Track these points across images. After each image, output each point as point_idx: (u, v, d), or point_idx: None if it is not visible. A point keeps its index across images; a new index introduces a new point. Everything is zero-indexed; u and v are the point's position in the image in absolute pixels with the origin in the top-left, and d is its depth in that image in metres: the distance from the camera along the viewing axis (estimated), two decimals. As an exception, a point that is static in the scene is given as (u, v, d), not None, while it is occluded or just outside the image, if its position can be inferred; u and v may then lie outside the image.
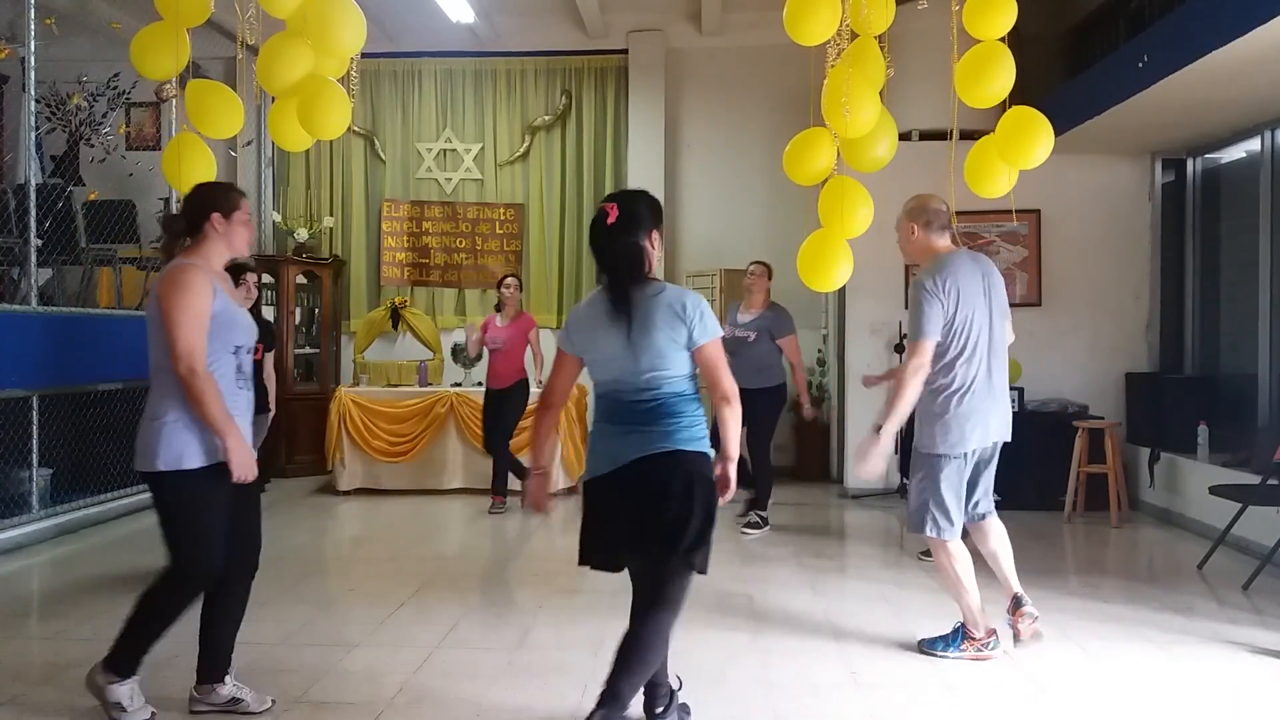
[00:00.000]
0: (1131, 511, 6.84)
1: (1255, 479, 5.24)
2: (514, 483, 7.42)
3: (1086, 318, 7.50)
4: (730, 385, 2.90)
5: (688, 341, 2.87)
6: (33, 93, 6.33)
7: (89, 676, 3.17)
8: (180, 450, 3.02)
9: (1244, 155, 6.74)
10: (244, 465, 3.07)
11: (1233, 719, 3.37)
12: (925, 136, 6.98)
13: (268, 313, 7.65)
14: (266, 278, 7.95)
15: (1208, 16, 4.90)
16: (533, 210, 9.19)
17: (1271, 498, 5.07)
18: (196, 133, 4.41)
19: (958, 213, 4.11)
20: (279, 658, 3.83)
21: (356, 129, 9.02)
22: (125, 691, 3.15)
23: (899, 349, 7.23)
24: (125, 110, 8.60)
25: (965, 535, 3.92)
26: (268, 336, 5.29)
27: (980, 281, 3.80)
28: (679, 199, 9.02)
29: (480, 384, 7.43)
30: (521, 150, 9.17)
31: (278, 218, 8.95)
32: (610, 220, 2.88)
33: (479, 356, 7.52)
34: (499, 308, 7.10)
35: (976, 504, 3.93)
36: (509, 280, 7.06)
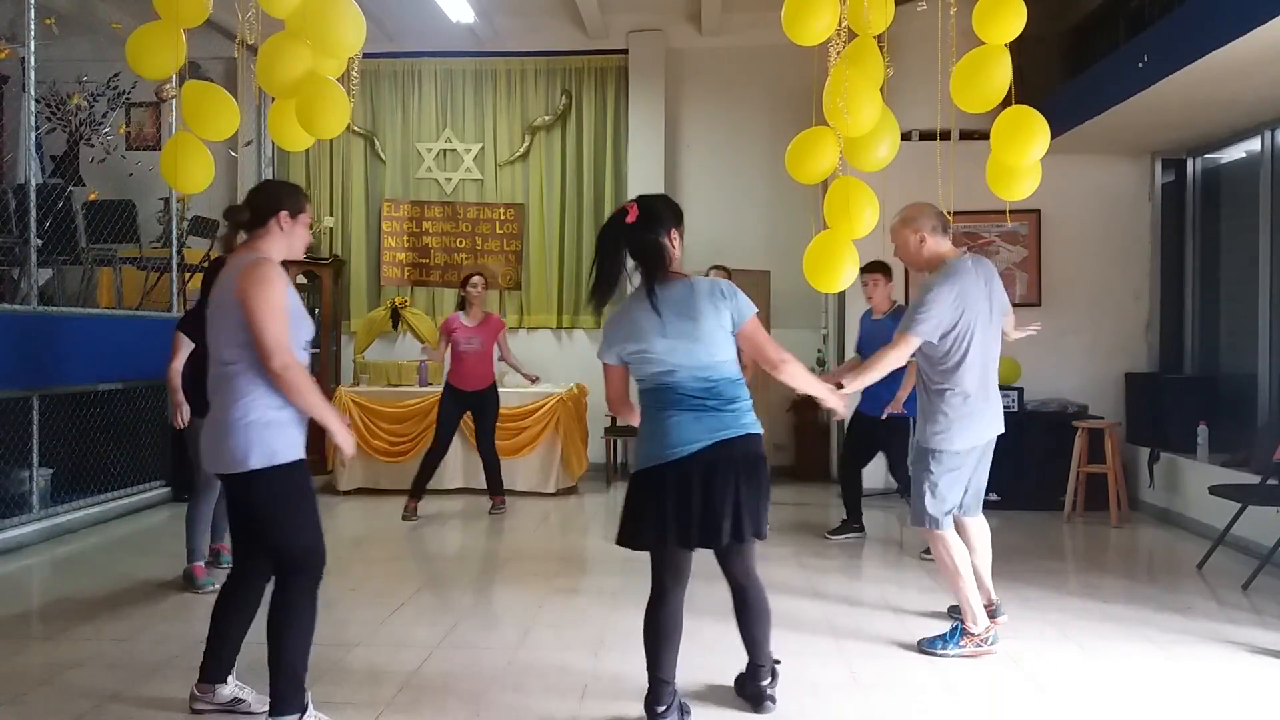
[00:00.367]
0: (1131, 511, 6.85)
1: (1255, 479, 5.24)
2: (511, 483, 7.46)
3: (1086, 318, 7.51)
4: (778, 350, 3.13)
5: (732, 324, 3.06)
6: (33, 93, 6.32)
7: None
8: (274, 446, 2.96)
9: (1244, 155, 6.74)
10: (350, 444, 3.15)
11: (1232, 719, 3.37)
12: (925, 137, 6.98)
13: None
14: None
15: (1207, 17, 4.90)
16: (533, 210, 9.20)
17: (1271, 498, 5.07)
18: (193, 134, 4.41)
19: (956, 213, 4.13)
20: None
21: (356, 129, 9.03)
22: (198, 694, 3.22)
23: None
24: (125, 110, 8.59)
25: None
26: None
27: (983, 286, 3.89)
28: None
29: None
30: (521, 150, 9.18)
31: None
32: (630, 219, 3.05)
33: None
34: (462, 306, 6.93)
35: (965, 506, 4.02)
36: (475, 279, 6.91)
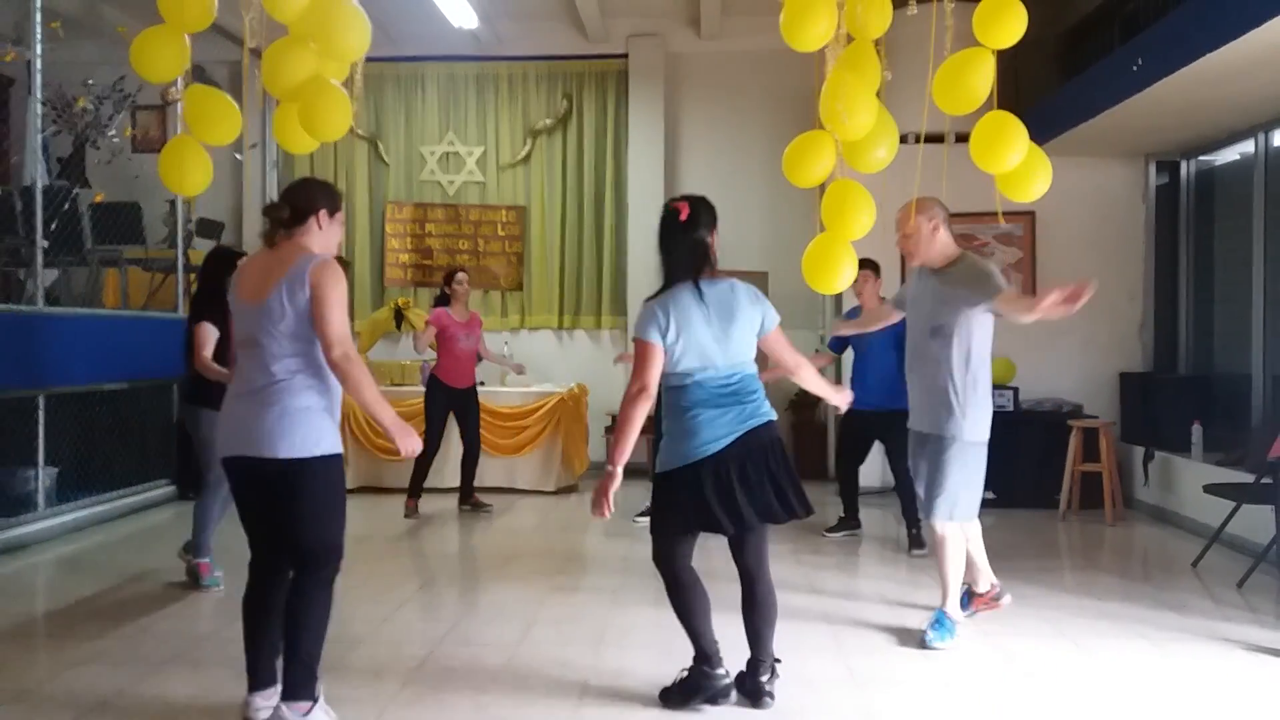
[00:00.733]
0: (1126, 510, 6.88)
1: (1249, 477, 5.27)
2: (512, 482, 7.50)
3: (1081, 318, 7.37)
4: (795, 355, 3.43)
5: (761, 328, 3.31)
6: (39, 95, 6.36)
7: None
8: (322, 435, 3.03)
9: (1237, 157, 6.79)
10: (410, 442, 3.16)
11: (1227, 716, 3.40)
12: (920, 140, 7.01)
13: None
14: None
15: (1202, 20, 4.94)
16: (534, 212, 9.25)
17: (1265, 496, 5.09)
18: (192, 137, 4.45)
19: (952, 215, 4.17)
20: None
21: (360, 132, 9.07)
22: (322, 715, 3.06)
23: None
24: (131, 113, 8.65)
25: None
26: None
27: None
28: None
29: (482, 383, 7.46)
30: (523, 153, 9.23)
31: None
32: (682, 218, 3.25)
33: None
34: (448, 302, 6.87)
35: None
36: (461, 275, 6.93)
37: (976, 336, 3.93)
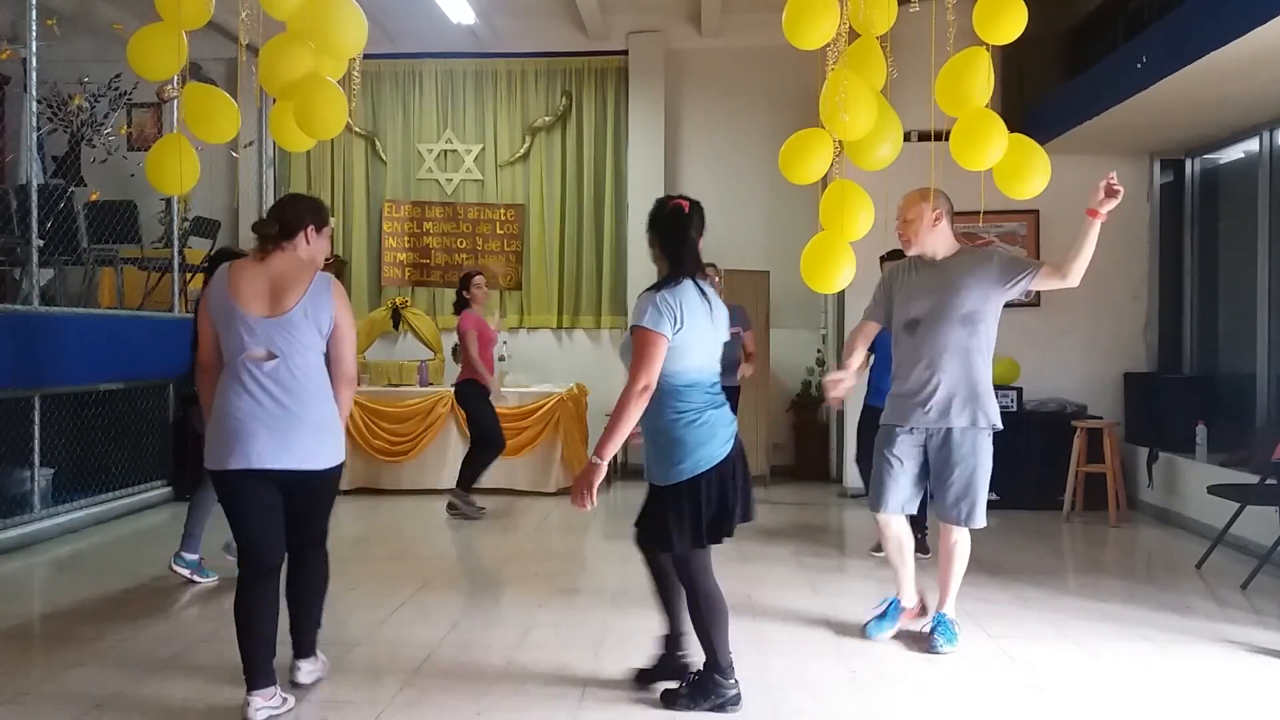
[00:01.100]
0: (1130, 511, 6.86)
1: (1253, 478, 5.25)
2: (512, 483, 7.47)
3: (1085, 318, 7.52)
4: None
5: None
6: (34, 93, 6.33)
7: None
8: (343, 439, 3.39)
9: (1242, 156, 6.76)
10: None
11: (1231, 718, 3.38)
12: (924, 138, 6.99)
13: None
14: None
15: (1206, 18, 4.92)
16: (533, 211, 9.21)
17: (1270, 497, 5.08)
18: (188, 135, 4.42)
19: (956, 214, 4.13)
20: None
21: (357, 130, 9.05)
22: (261, 702, 3.19)
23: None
24: (127, 111, 8.61)
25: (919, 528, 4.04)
26: None
27: None
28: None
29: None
30: (522, 151, 9.19)
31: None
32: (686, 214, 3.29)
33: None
34: (470, 305, 6.88)
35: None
36: (479, 279, 6.95)
37: (994, 322, 3.91)
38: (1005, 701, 3.47)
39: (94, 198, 7.88)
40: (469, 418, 6.98)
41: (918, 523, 5.56)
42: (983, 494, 3.89)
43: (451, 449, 7.67)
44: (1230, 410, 6.57)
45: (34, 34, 6.12)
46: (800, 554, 5.70)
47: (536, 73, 9.16)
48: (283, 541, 3.29)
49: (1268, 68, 5.01)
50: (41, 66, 6.26)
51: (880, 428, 4.09)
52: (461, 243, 9.28)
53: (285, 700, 3.28)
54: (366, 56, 4.68)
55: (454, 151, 9.28)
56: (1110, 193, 3.60)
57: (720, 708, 3.27)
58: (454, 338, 8.57)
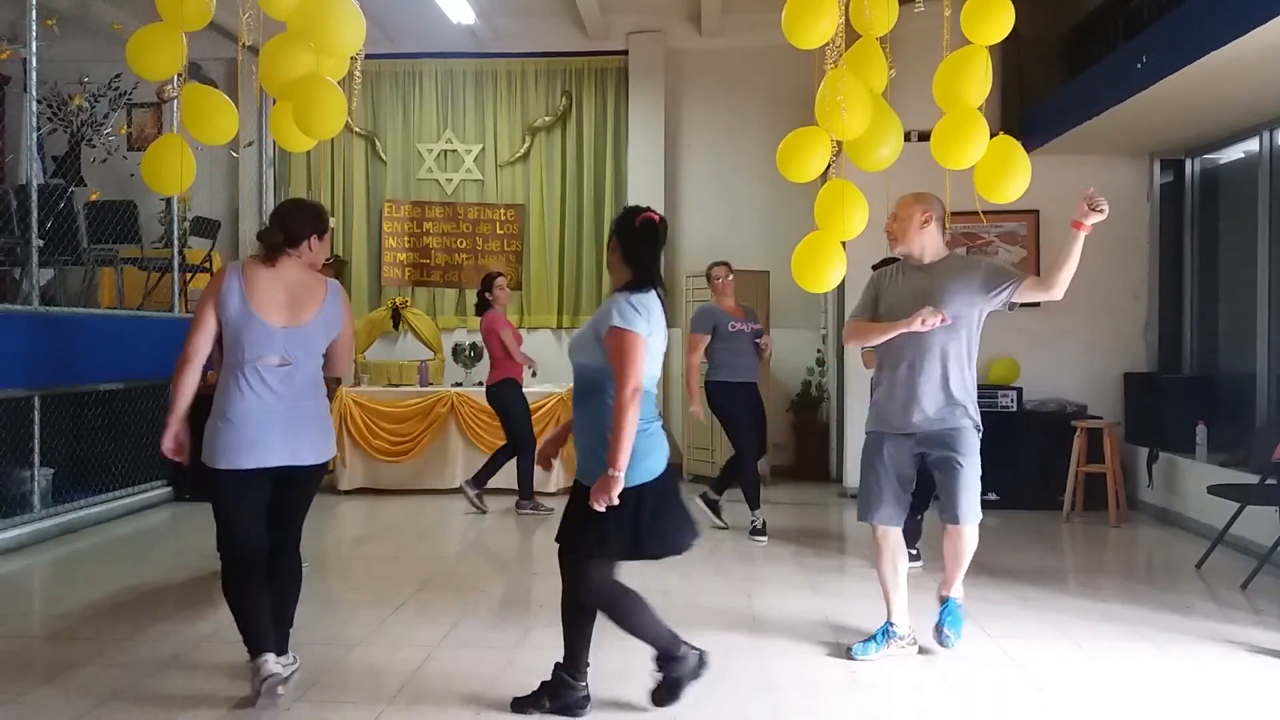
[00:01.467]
0: (1130, 511, 6.86)
1: (1253, 478, 5.25)
2: (512, 483, 7.46)
3: (1085, 318, 7.52)
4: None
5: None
6: (34, 93, 6.33)
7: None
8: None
9: (1242, 156, 6.76)
10: None
11: (1231, 718, 3.38)
12: (924, 138, 6.98)
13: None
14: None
15: (1206, 18, 4.91)
16: (533, 211, 9.21)
17: (1270, 497, 5.08)
18: (186, 135, 4.42)
19: (954, 214, 4.13)
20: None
21: (358, 130, 9.05)
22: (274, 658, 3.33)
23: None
24: (127, 111, 8.62)
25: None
26: None
27: None
28: (679, 200, 9.04)
29: (481, 383, 7.44)
30: (522, 151, 9.19)
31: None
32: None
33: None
34: (488, 306, 6.91)
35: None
36: (500, 280, 7.01)
37: (977, 328, 3.88)
38: (1005, 701, 3.47)
39: (94, 198, 7.89)
40: (506, 420, 6.90)
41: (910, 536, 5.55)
42: (976, 490, 3.84)
43: (451, 449, 7.67)
44: (1230, 410, 6.57)
45: (34, 34, 6.12)
46: (800, 554, 5.70)
47: (536, 73, 9.17)
48: (265, 538, 3.38)
49: (1268, 68, 5.01)
50: (41, 66, 6.26)
51: (867, 436, 4.05)
52: (461, 243, 9.28)
53: (295, 659, 3.47)
54: (366, 56, 4.67)
55: (454, 151, 9.28)
56: (1093, 206, 3.56)
57: (569, 710, 3.27)
58: (454, 338, 8.63)
